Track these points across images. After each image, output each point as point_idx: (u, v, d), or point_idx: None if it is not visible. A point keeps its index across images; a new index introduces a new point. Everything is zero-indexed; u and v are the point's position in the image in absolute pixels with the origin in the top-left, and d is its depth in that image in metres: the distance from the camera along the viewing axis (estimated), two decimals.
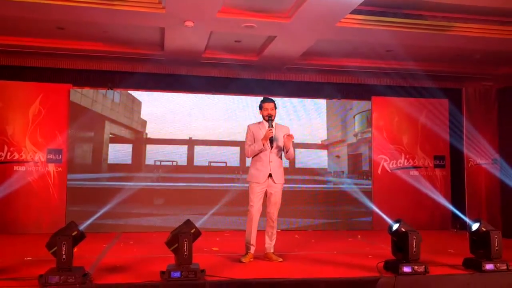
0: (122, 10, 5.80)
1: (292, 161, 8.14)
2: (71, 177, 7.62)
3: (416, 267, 4.36)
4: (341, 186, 8.50)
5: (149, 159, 8.02)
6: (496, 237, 4.62)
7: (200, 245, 4.89)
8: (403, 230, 4.52)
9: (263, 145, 5.12)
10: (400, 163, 8.51)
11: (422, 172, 8.56)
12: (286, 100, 8.33)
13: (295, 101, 8.43)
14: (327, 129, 8.57)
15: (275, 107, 5.29)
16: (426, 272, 4.38)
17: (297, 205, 8.22)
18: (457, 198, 8.51)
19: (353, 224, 8.34)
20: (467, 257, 4.81)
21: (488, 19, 6.45)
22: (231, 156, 8.23)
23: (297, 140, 8.22)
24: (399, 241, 4.55)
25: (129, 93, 8.08)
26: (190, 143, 8.16)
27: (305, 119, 8.45)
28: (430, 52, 7.59)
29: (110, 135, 7.95)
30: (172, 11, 5.82)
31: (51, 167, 7.51)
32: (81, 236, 4.17)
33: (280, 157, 5.30)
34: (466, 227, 5.76)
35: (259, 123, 5.37)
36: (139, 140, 8.05)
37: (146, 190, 7.88)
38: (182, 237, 4.07)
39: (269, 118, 5.18)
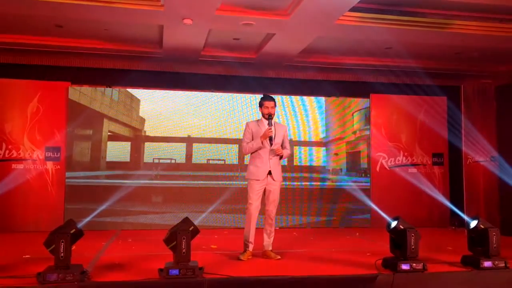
0: (120, 7, 5.79)
1: (290, 159, 8.14)
2: (70, 175, 7.61)
3: (414, 264, 4.37)
4: (339, 183, 8.51)
5: (148, 157, 8.02)
6: (494, 235, 4.62)
7: (198, 243, 4.90)
8: (402, 227, 4.52)
9: (262, 143, 5.12)
10: (398, 160, 8.51)
11: (420, 170, 8.57)
12: (285, 97, 8.33)
13: (294, 98, 8.42)
14: (326, 127, 8.56)
15: (275, 106, 5.28)
16: (424, 270, 4.38)
17: (295, 203, 8.22)
18: (455, 196, 8.52)
19: (351, 222, 8.34)
20: (465, 255, 4.81)
21: (487, 17, 6.45)
22: (229, 154, 8.23)
23: (295, 138, 8.32)
24: (398, 238, 4.55)
25: (127, 91, 8.07)
26: (189, 140, 8.15)
27: (303, 116, 8.44)
28: (429, 50, 7.59)
29: (109, 133, 7.94)
30: (171, 9, 5.81)
31: (50, 165, 7.50)
32: (79, 233, 4.16)
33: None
34: (464, 224, 5.76)
35: (257, 120, 5.36)
36: (137, 138, 8.05)
37: (145, 188, 7.88)
38: (181, 235, 4.07)
39: (269, 117, 5.17)
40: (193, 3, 5.65)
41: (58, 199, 7.48)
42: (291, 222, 8.14)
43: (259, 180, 5.14)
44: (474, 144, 8.20)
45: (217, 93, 8.20)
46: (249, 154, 5.29)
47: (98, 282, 3.97)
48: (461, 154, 8.35)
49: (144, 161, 8.00)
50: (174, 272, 3.97)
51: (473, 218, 4.89)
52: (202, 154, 8.17)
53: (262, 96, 5.34)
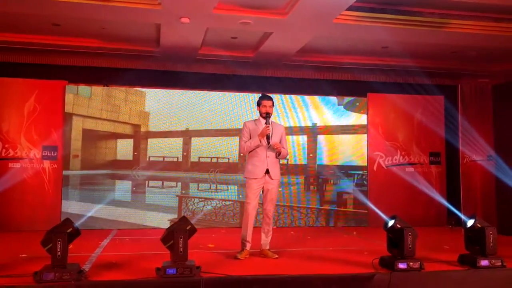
0: (117, 6, 5.78)
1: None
2: (68, 173, 7.60)
3: (411, 263, 4.37)
4: (338, 181, 8.51)
5: (145, 155, 8.00)
6: (491, 234, 4.63)
7: (195, 242, 4.89)
8: (399, 226, 4.53)
9: (260, 141, 5.12)
10: (395, 159, 8.52)
11: (417, 169, 8.58)
12: (282, 96, 8.33)
13: (291, 97, 8.42)
14: (324, 125, 8.55)
15: (273, 105, 5.31)
16: (422, 269, 4.39)
17: (293, 202, 8.23)
18: (452, 195, 8.54)
19: (348, 221, 8.35)
20: (462, 253, 4.82)
21: (484, 16, 6.46)
22: (227, 153, 8.22)
23: (293, 136, 8.32)
24: (395, 237, 4.56)
25: (127, 89, 8.05)
26: (187, 138, 8.14)
27: (300, 114, 8.44)
28: (426, 49, 7.59)
29: (108, 132, 7.93)
30: (168, 8, 5.80)
31: (46, 164, 7.48)
32: (76, 233, 4.16)
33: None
34: (461, 223, 5.78)
35: (255, 120, 5.38)
36: (136, 136, 8.03)
37: (143, 186, 7.87)
38: (178, 234, 4.06)
39: (267, 115, 5.19)
40: (191, 2, 5.64)
41: (55, 198, 7.46)
42: (290, 222, 8.15)
43: (256, 178, 5.15)
44: (471, 143, 8.22)
45: (214, 92, 8.19)
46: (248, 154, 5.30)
47: (95, 281, 3.96)
48: (458, 153, 8.37)
49: (141, 159, 7.98)
50: (171, 271, 3.97)
51: (470, 217, 4.90)
52: (199, 152, 8.17)
53: (260, 95, 5.37)
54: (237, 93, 8.24)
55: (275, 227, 5.77)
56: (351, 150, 8.60)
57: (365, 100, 8.58)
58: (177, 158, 8.10)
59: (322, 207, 8.37)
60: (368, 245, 6.18)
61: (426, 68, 8.40)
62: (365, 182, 8.47)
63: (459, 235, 5.73)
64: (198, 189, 8.09)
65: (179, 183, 8.06)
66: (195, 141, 8.15)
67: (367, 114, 8.56)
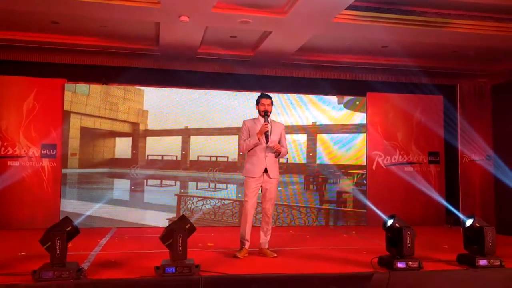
0: (117, 4, 5.76)
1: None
2: (66, 172, 7.59)
3: (410, 262, 4.38)
4: (337, 181, 8.52)
5: (144, 154, 8.00)
6: (489, 233, 4.64)
7: (195, 241, 4.89)
8: (398, 225, 4.53)
9: (258, 139, 5.13)
10: (394, 159, 8.53)
11: (416, 168, 8.59)
12: (282, 95, 8.32)
13: (290, 96, 8.41)
14: (321, 124, 8.56)
15: (272, 104, 5.31)
16: (420, 268, 4.40)
17: (292, 201, 8.23)
18: (451, 194, 8.55)
19: (348, 220, 8.35)
20: (460, 253, 4.83)
21: (484, 16, 6.46)
22: (227, 152, 8.22)
23: (292, 135, 8.32)
24: (394, 236, 4.56)
25: (125, 88, 8.05)
26: (186, 137, 8.14)
27: (299, 113, 8.44)
28: (425, 48, 7.59)
29: (106, 130, 7.92)
30: (168, 6, 5.79)
31: (45, 162, 7.48)
32: (75, 231, 4.16)
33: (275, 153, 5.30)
34: (460, 223, 5.79)
35: (254, 119, 5.38)
36: (135, 134, 8.02)
37: (141, 185, 7.87)
38: (177, 233, 4.06)
39: (265, 114, 5.19)
40: (190, 0, 5.63)
41: (54, 197, 7.45)
42: (290, 221, 8.15)
43: (255, 177, 5.15)
44: (470, 143, 8.24)
45: (213, 91, 8.19)
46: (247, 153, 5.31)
47: (94, 279, 3.96)
48: (457, 152, 8.39)
49: (140, 157, 7.97)
50: (171, 270, 3.97)
51: (469, 217, 4.91)
52: (197, 151, 8.16)
53: (259, 94, 5.39)
54: (236, 92, 8.23)
55: (274, 226, 5.77)
56: (351, 149, 8.59)
57: (365, 99, 8.58)
58: (176, 156, 8.10)
59: (322, 207, 8.37)
60: (367, 244, 6.18)
61: (426, 67, 8.40)
62: (364, 182, 8.47)
63: (458, 235, 5.74)
64: (197, 188, 8.09)
65: (178, 182, 8.06)
66: (194, 139, 8.14)
67: (366, 114, 8.56)
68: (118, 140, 7.98)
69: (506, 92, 7.92)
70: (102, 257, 5.00)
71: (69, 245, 4.06)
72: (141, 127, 8.03)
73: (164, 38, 7.05)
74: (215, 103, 8.17)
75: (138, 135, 8.01)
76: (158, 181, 8.00)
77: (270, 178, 5.18)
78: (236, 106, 8.18)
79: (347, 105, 8.67)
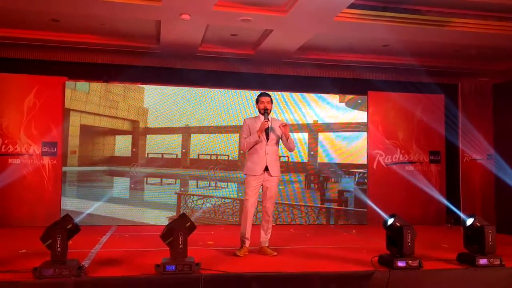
0: (118, 2, 5.77)
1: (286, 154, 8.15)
2: (65, 170, 7.60)
3: (410, 261, 4.37)
4: (339, 180, 8.51)
5: (144, 152, 8.00)
6: (490, 232, 4.63)
7: (195, 239, 4.88)
8: (398, 224, 4.53)
9: (259, 137, 5.12)
10: (395, 158, 8.52)
11: (417, 167, 8.58)
12: (283, 94, 8.32)
13: (291, 95, 8.41)
14: (322, 123, 8.55)
15: (271, 101, 5.31)
16: (420, 267, 4.39)
17: (292, 200, 8.23)
18: (451, 193, 8.55)
19: (348, 219, 8.35)
20: (461, 252, 4.82)
21: (485, 15, 6.46)
22: (227, 150, 8.22)
23: (293, 133, 8.31)
24: (394, 235, 4.56)
25: (126, 85, 8.04)
26: (186, 135, 8.13)
27: (300, 112, 8.43)
28: (427, 47, 7.59)
29: (106, 128, 7.92)
30: (169, 4, 5.79)
31: (46, 160, 7.48)
32: (75, 229, 4.15)
33: (276, 151, 5.30)
34: (460, 222, 5.79)
35: (255, 117, 5.37)
36: (135, 132, 8.02)
37: (141, 183, 7.87)
38: (177, 231, 4.06)
39: (265, 111, 5.18)
40: None
41: (54, 194, 7.46)
42: (290, 219, 8.15)
43: (255, 175, 5.14)
44: (471, 142, 8.23)
45: (214, 89, 8.18)
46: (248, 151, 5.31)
47: (95, 277, 3.96)
48: (458, 152, 8.38)
49: (140, 155, 7.97)
50: (171, 268, 3.97)
51: (469, 216, 4.90)
52: (198, 149, 8.16)
53: (259, 93, 5.39)
54: (237, 90, 8.22)
55: (274, 225, 5.76)
56: (352, 148, 8.59)
57: (366, 98, 8.57)
58: (176, 155, 8.09)
59: (323, 206, 8.37)
60: (367, 243, 6.18)
61: (427, 66, 8.40)
62: (366, 181, 8.47)
63: (458, 234, 5.73)
64: (197, 186, 8.09)
65: (178, 180, 8.06)
66: (194, 138, 8.14)
67: (367, 112, 8.56)
68: (118, 138, 7.98)
69: (508, 91, 7.91)
70: (103, 255, 5.00)
71: (70, 242, 4.06)
72: (141, 125, 8.02)
73: (165, 36, 7.05)
74: (216, 102, 8.16)
75: (138, 133, 8.01)
76: (158, 180, 8.00)
77: (271, 176, 5.17)
78: (237, 104, 8.17)
79: (348, 104, 8.65)
